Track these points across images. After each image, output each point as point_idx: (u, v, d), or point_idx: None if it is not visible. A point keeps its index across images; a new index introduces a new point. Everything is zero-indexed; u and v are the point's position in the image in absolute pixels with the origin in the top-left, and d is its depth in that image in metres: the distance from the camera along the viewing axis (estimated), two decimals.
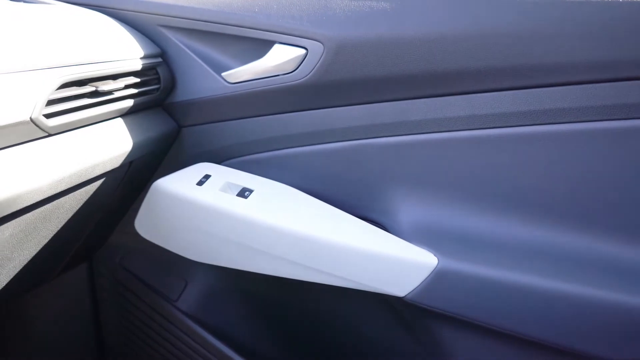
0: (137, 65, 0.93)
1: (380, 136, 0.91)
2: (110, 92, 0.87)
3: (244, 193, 0.93)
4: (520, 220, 0.85)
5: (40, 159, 0.75)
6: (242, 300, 1.17)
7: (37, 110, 0.72)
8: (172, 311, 1.22)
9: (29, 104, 0.71)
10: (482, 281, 0.80)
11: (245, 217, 0.89)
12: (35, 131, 0.74)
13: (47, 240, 0.90)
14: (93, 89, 0.83)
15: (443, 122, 0.86)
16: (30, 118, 0.71)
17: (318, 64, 0.89)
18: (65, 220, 0.90)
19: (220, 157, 1.04)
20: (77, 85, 0.81)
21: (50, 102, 0.75)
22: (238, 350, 1.16)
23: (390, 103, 0.89)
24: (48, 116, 0.75)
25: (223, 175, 0.98)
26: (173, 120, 1.05)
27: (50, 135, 0.78)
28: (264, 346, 1.17)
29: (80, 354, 1.40)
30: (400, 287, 0.83)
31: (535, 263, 0.82)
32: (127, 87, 0.91)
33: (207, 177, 0.97)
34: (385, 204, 0.93)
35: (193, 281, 1.20)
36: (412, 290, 0.82)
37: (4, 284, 0.89)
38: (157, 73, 0.99)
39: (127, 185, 1.04)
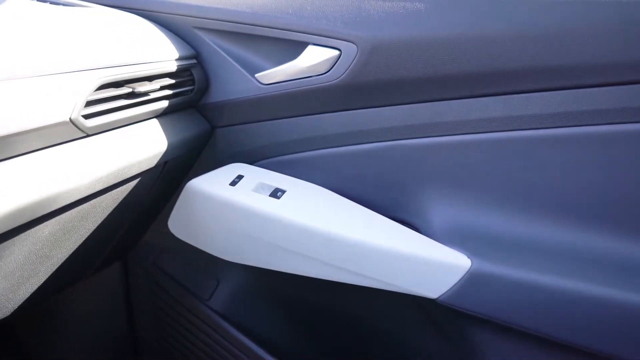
0: (172, 67, 0.94)
1: (413, 137, 0.90)
2: (146, 94, 0.89)
3: (276, 193, 0.93)
4: (555, 223, 0.84)
5: (79, 159, 0.76)
6: (273, 300, 1.18)
7: (77, 111, 0.73)
8: (204, 310, 1.23)
9: (69, 105, 0.72)
10: (516, 284, 0.79)
11: (277, 217, 0.89)
12: (74, 131, 0.75)
13: (83, 239, 0.92)
14: (130, 90, 0.85)
15: (477, 124, 0.86)
16: (70, 119, 0.72)
17: (351, 65, 0.89)
18: (102, 219, 0.92)
19: (252, 158, 1.05)
20: (114, 87, 0.83)
21: (89, 103, 0.77)
22: (269, 349, 1.16)
23: (424, 104, 0.89)
24: (87, 117, 0.76)
25: (256, 176, 0.99)
26: (206, 121, 1.06)
27: (88, 135, 0.79)
28: (294, 346, 1.17)
29: (114, 351, 1.42)
30: (433, 288, 0.82)
31: (570, 266, 0.81)
32: (162, 88, 0.93)
33: (240, 177, 0.98)
34: (417, 205, 0.93)
35: (225, 281, 1.21)
36: (445, 292, 0.82)
37: (42, 281, 0.91)
38: (191, 74, 1.00)
39: (161, 185, 1.05)
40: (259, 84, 0.98)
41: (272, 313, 1.18)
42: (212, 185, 0.97)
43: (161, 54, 0.93)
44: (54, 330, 1.35)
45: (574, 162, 0.81)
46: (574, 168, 0.82)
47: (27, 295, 0.90)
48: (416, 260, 0.82)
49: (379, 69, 0.88)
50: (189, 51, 1.00)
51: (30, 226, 0.72)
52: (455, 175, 0.89)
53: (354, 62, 0.89)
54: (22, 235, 0.73)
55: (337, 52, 0.90)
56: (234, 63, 1.00)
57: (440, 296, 0.82)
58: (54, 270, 0.91)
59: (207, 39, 1.02)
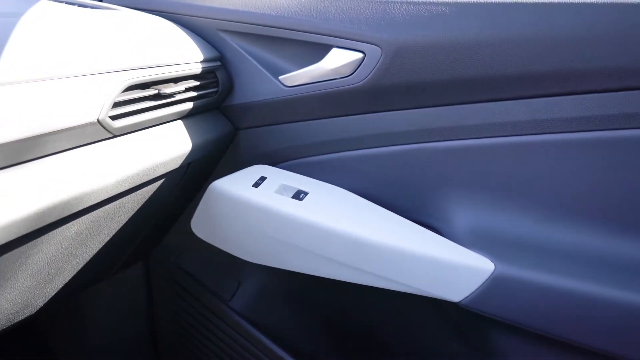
0: (197, 69, 0.95)
1: (437, 140, 0.90)
2: (171, 95, 0.89)
3: (299, 195, 0.94)
4: (579, 227, 0.84)
5: (105, 159, 0.77)
6: (294, 302, 1.18)
7: (104, 112, 0.74)
8: (226, 310, 1.24)
9: (97, 106, 0.73)
10: (540, 288, 0.79)
11: (300, 219, 0.90)
12: (101, 132, 0.76)
13: (108, 238, 0.93)
14: (156, 91, 0.86)
15: (502, 127, 0.85)
16: (98, 119, 0.74)
17: (375, 68, 0.89)
18: (127, 219, 0.93)
19: (275, 160, 1.05)
20: (140, 88, 0.84)
21: (116, 105, 0.78)
22: (289, 350, 1.17)
23: (448, 107, 0.88)
24: (114, 118, 0.78)
25: (278, 178, 1.00)
26: (230, 122, 1.07)
27: (115, 136, 0.80)
28: (314, 347, 1.18)
29: (135, 349, 1.43)
30: (456, 292, 0.82)
31: (595, 271, 0.80)
32: (187, 90, 0.94)
33: (262, 179, 0.99)
34: (440, 208, 0.92)
35: (246, 281, 1.22)
36: (468, 296, 0.81)
37: (67, 279, 0.92)
38: (215, 76, 1.01)
39: (184, 186, 1.06)
40: (283, 86, 0.98)
41: (293, 314, 1.18)
42: (235, 186, 0.98)
43: (186, 56, 0.94)
44: (77, 327, 1.37)
45: (600, 166, 0.81)
46: (599, 172, 0.81)
47: (53, 293, 0.91)
48: (439, 263, 0.82)
49: (402, 71, 0.88)
50: (213, 53, 1.01)
51: (58, 225, 0.74)
52: (478, 179, 0.89)
53: (377, 64, 0.89)
54: (50, 234, 0.74)
55: (361, 55, 0.91)
56: (257, 65, 1.01)
57: (462, 300, 0.82)
58: (79, 268, 0.92)
59: (232, 41, 1.02)
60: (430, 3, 0.86)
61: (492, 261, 0.81)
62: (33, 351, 1.36)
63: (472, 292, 0.81)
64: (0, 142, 0.60)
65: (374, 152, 0.95)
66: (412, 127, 0.91)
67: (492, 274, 0.80)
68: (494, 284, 0.80)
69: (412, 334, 1.05)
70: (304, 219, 0.89)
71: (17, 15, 0.73)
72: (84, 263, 0.92)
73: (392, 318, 1.06)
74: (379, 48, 0.89)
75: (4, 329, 0.87)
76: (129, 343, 1.43)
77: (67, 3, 0.96)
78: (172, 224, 1.23)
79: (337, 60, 0.92)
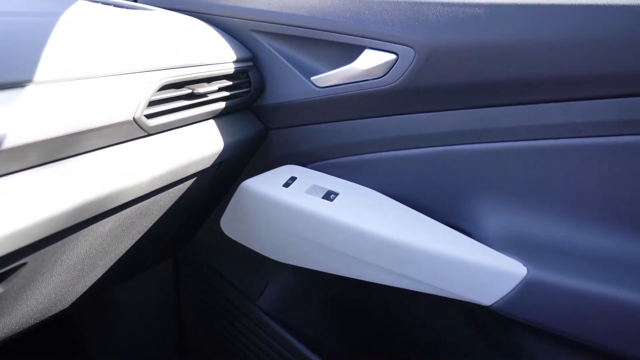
0: (230, 69, 0.96)
1: (469, 143, 0.89)
2: (204, 95, 0.90)
3: (329, 196, 0.94)
4: (614, 233, 0.82)
5: (140, 157, 0.78)
6: (321, 302, 1.18)
7: (140, 110, 0.75)
8: (253, 309, 1.24)
9: (133, 104, 0.74)
10: (572, 293, 0.78)
11: (330, 219, 0.90)
12: (136, 130, 0.77)
13: (140, 235, 0.94)
14: (189, 91, 0.87)
15: (536, 130, 0.84)
16: (134, 118, 0.75)
17: (408, 70, 0.89)
18: (159, 216, 0.94)
19: (305, 160, 1.06)
20: (174, 88, 0.85)
21: (151, 103, 0.79)
22: (315, 350, 1.17)
23: (481, 109, 0.88)
24: (149, 116, 0.79)
25: (309, 178, 1.00)
26: (261, 122, 1.07)
27: (149, 134, 0.81)
28: (341, 348, 1.18)
29: (162, 345, 1.45)
30: (487, 295, 0.81)
31: (629, 277, 0.79)
32: (220, 89, 0.94)
33: (293, 179, 0.99)
34: (471, 211, 0.92)
35: (274, 281, 1.22)
36: (499, 300, 0.81)
37: (99, 275, 0.93)
38: (248, 77, 1.02)
39: (215, 185, 1.07)
40: (315, 87, 0.99)
41: (320, 314, 1.18)
42: (265, 186, 0.98)
43: (219, 56, 0.95)
44: (107, 323, 1.39)
45: (636, 171, 0.80)
46: (635, 177, 0.80)
47: (86, 288, 0.93)
48: (470, 266, 0.81)
49: (436, 73, 0.88)
50: (246, 54, 1.02)
51: (93, 221, 0.75)
52: (511, 182, 0.88)
53: (411, 66, 0.89)
54: (85, 230, 0.75)
55: (394, 56, 0.90)
56: (289, 66, 1.01)
57: (493, 303, 0.81)
58: (111, 265, 0.94)
59: (264, 41, 1.03)
60: (464, 5, 0.86)
61: (524, 265, 0.80)
62: (64, 345, 1.38)
63: (504, 296, 0.80)
64: (39, 140, 0.61)
65: (405, 153, 0.95)
66: (444, 129, 0.91)
67: (524, 278, 0.79)
68: (526, 289, 0.79)
69: (441, 337, 1.04)
70: (334, 219, 0.89)
71: (56, 15, 0.74)
72: (116, 259, 0.94)
73: (421, 320, 1.06)
74: (412, 49, 0.88)
75: (37, 323, 0.88)
76: (157, 339, 1.44)
77: (103, 3, 0.97)
78: (201, 223, 1.24)
79: (370, 61, 0.92)
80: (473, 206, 0.92)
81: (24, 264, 0.68)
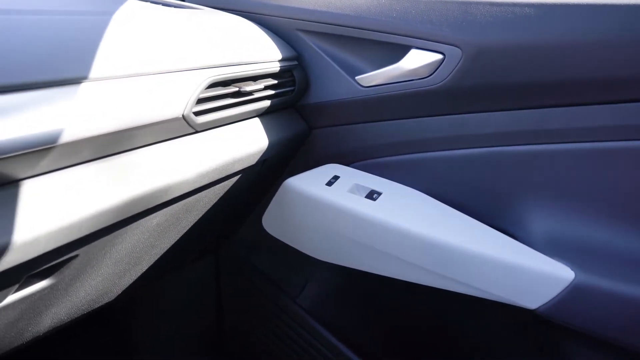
0: (275, 68, 0.97)
1: (515, 144, 0.88)
2: (250, 93, 0.91)
3: (372, 195, 0.94)
4: None
5: (187, 154, 0.79)
6: (361, 302, 1.18)
7: (189, 107, 0.77)
8: (292, 307, 1.25)
9: (182, 101, 0.76)
10: (621, 299, 0.76)
11: (373, 219, 0.90)
12: (184, 127, 0.79)
13: (185, 231, 0.96)
14: (236, 89, 0.88)
15: (585, 132, 0.83)
16: (183, 115, 0.76)
17: (455, 70, 0.88)
18: (203, 212, 0.95)
19: (348, 159, 1.06)
20: (222, 86, 0.86)
21: (200, 101, 0.80)
22: (354, 349, 1.17)
23: (528, 111, 0.87)
24: (197, 114, 0.80)
25: (351, 177, 1.00)
26: (305, 121, 1.08)
27: (197, 131, 0.82)
28: (381, 348, 1.17)
29: (201, 339, 1.47)
30: (532, 299, 0.80)
31: None
32: (265, 88, 0.95)
33: (336, 178, 0.99)
34: (517, 213, 0.91)
35: (314, 279, 1.23)
36: (545, 304, 0.79)
37: (144, 269, 0.95)
38: (292, 75, 1.02)
39: (258, 183, 1.08)
40: (359, 87, 0.99)
41: (360, 314, 1.18)
42: (308, 184, 0.98)
43: (265, 55, 0.96)
44: (149, 316, 1.41)
45: None
46: None
47: (131, 281, 0.95)
48: (515, 269, 0.80)
49: (483, 74, 0.87)
50: (291, 53, 1.02)
51: (142, 216, 0.76)
52: (558, 184, 0.86)
53: (457, 66, 0.88)
54: (134, 225, 0.77)
55: (440, 56, 0.90)
56: (334, 65, 1.02)
57: (539, 307, 0.80)
58: (156, 259, 0.95)
59: (309, 41, 1.03)
60: (514, 4, 0.85)
61: (571, 269, 0.79)
62: (108, 337, 1.41)
63: (550, 300, 0.79)
64: (92, 135, 0.63)
65: (450, 154, 0.94)
66: (490, 129, 0.90)
67: (571, 282, 0.77)
68: (573, 293, 0.77)
69: (481, 340, 1.03)
70: (377, 219, 0.89)
71: (108, 14, 0.76)
72: (161, 254, 0.95)
73: (461, 323, 1.05)
74: (459, 49, 0.88)
75: (84, 314, 0.90)
76: (196, 333, 1.46)
77: (152, 2, 0.99)
78: (243, 220, 1.26)
79: (416, 61, 0.92)
80: (518, 208, 0.91)
81: (76, 256, 0.70)
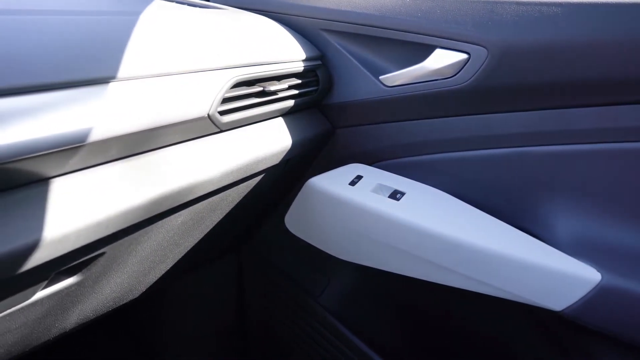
0: (299, 68, 0.97)
1: (541, 144, 0.87)
2: (275, 93, 0.91)
3: (395, 195, 0.93)
4: None
5: (212, 153, 0.80)
6: (383, 302, 1.18)
7: (214, 107, 0.77)
8: (314, 306, 1.25)
9: (207, 101, 0.76)
10: None
11: (396, 219, 0.89)
12: (209, 127, 0.79)
13: (208, 229, 0.96)
14: (260, 89, 0.88)
15: (613, 132, 0.82)
16: (208, 114, 0.76)
17: (480, 69, 0.88)
18: (227, 211, 0.96)
19: (371, 159, 1.05)
20: (246, 85, 0.86)
21: (225, 100, 0.80)
22: (376, 349, 1.16)
23: (556, 110, 0.86)
24: (222, 113, 0.80)
25: (375, 177, 1.00)
26: (328, 121, 1.08)
27: (221, 131, 0.83)
28: (403, 348, 1.17)
29: (223, 338, 1.48)
30: (557, 300, 0.79)
31: None
32: (289, 87, 0.95)
33: (359, 177, 0.99)
34: (541, 213, 0.90)
35: (336, 279, 1.23)
36: (571, 306, 0.78)
37: (168, 267, 0.96)
38: (316, 75, 1.02)
39: (281, 182, 1.08)
40: (383, 86, 0.98)
41: (382, 314, 1.18)
42: (332, 184, 0.98)
43: (289, 54, 0.96)
44: (171, 314, 1.42)
45: None
46: None
47: (156, 279, 0.95)
48: (540, 270, 0.79)
49: (508, 73, 0.86)
50: (315, 52, 1.03)
51: (168, 214, 0.77)
52: (585, 185, 0.85)
53: (483, 66, 0.87)
54: (160, 223, 0.78)
55: (465, 56, 0.89)
56: (358, 65, 1.02)
57: (564, 309, 0.79)
58: (180, 257, 0.96)
59: (333, 40, 1.03)
60: (541, 4, 0.84)
61: (597, 270, 0.78)
62: (129, 335, 1.43)
63: (576, 302, 0.78)
64: (120, 134, 0.63)
65: (474, 154, 0.94)
66: (516, 129, 0.89)
67: (598, 284, 0.76)
68: (600, 295, 0.77)
69: (504, 341, 1.03)
70: (400, 219, 0.89)
71: (135, 14, 0.77)
72: (185, 252, 0.96)
73: (485, 324, 1.04)
74: (484, 49, 0.87)
75: (109, 311, 0.91)
76: (217, 332, 1.47)
77: (177, 2, 1.00)
78: (265, 219, 1.26)
79: (441, 60, 0.91)
80: (543, 209, 0.90)
81: (103, 253, 0.71)
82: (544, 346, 0.97)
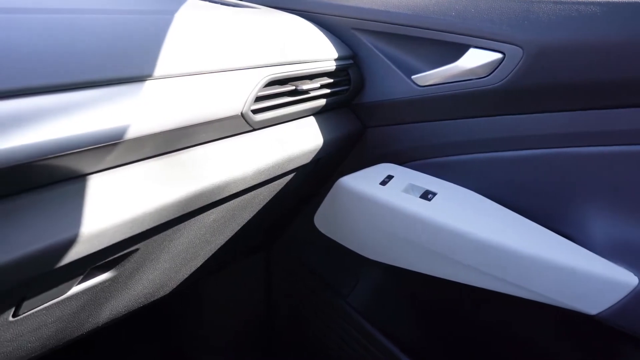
0: (331, 67, 0.97)
1: (577, 145, 0.86)
2: (307, 92, 0.92)
3: (427, 195, 0.93)
4: None
5: (245, 151, 0.80)
6: (413, 302, 1.17)
7: (247, 105, 0.78)
8: (343, 306, 1.25)
9: (241, 100, 0.77)
10: None
11: (428, 219, 0.89)
12: (242, 125, 0.80)
13: (239, 227, 0.97)
14: (293, 88, 0.88)
15: None
16: (241, 113, 0.77)
17: (515, 69, 0.87)
18: (257, 210, 0.96)
19: (402, 159, 1.05)
20: (279, 84, 0.86)
21: (257, 99, 0.81)
22: (406, 351, 1.16)
23: (591, 111, 0.84)
24: (255, 112, 0.81)
25: (405, 177, 0.99)
26: (359, 120, 1.08)
27: (254, 129, 0.83)
28: (432, 350, 1.16)
29: (250, 336, 1.48)
30: (592, 304, 0.78)
31: None
32: (321, 87, 0.95)
33: (389, 177, 0.99)
34: (576, 216, 0.88)
35: (365, 279, 1.22)
36: (606, 309, 0.77)
37: (199, 264, 0.97)
38: (347, 74, 1.02)
39: (311, 181, 1.08)
40: (415, 86, 0.98)
41: (412, 315, 1.18)
42: (362, 183, 0.98)
43: (321, 53, 0.96)
44: (199, 310, 1.43)
45: None
46: None
47: (186, 276, 0.96)
48: (575, 272, 0.78)
49: (544, 73, 0.85)
50: (347, 52, 1.02)
51: (201, 212, 0.78)
52: (621, 187, 0.84)
53: (518, 66, 0.86)
54: (192, 220, 0.78)
55: (500, 56, 0.88)
56: (390, 64, 1.01)
57: (599, 313, 0.78)
58: (210, 254, 0.97)
59: (365, 40, 1.03)
60: (579, 3, 0.83)
61: (635, 274, 0.76)
62: (156, 332, 1.44)
63: (612, 306, 0.76)
64: (155, 132, 0.64)
65: (508, 155, 0.92)
66: (550, 130, 0.88)
67: (635, 288, 0.75)
68: (636, 299, 0.75)
69: (536, 345, 1.01)
70: (432, 219, 0.88)
71: (169, 13, 0.78)
72: (215, 250, 0.97)
73: (517, 327, 1.03)
74: (520, 49, 0.86)
75: (140, 307, 0.92)
76: (245, 329, 1.48)
77: (210, 1, 1.00)
78: (294, 218, 1.26)
79: (475, 60, 0.91)
80: (577, 211, 0.88)
81: (137, 249, 0.72)
82: (576, 350, 0.96)
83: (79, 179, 0.59)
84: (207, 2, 0.98)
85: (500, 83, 0.89)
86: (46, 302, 0.66)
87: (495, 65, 0.89)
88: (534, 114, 0.89)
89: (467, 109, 0.95)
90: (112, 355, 1.38)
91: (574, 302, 0.79)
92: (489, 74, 0.90)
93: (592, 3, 0.82)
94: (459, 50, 0.93)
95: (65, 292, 0.68)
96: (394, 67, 1.01)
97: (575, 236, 0.88)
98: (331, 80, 0.98)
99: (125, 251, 0.70)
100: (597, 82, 0.82)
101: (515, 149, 0.92)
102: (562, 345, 0.97)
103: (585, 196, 0.87)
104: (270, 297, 1.44)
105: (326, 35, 1.01)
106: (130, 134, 0.61)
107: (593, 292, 0.78)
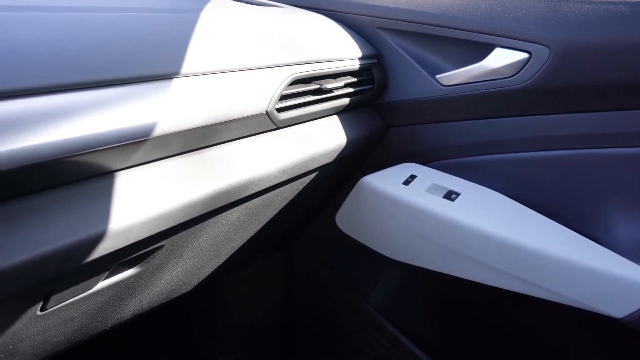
0: (355, 66, 0.97)
1: (603, 146, 0.85)
2: (331, 90, 0.92)
3: (450, 196, 0.92)
4: None
5: (269, 150, 0.81)
6: (434, 303, 1.17)
7: (272, 104, 0.78)
8: (363, 306, 1.25)
9: (266, 98, 0.77)
10: None
11: (451, 219, 0.88)
12: (267, 123, 0.80)
13: (261, 226, 0.97)
14: (317, 86, 0.88)
15: None
16: (266, 111, 0.77)
17: (542, 69, 0.86)
18: (280, 208, 0.97)
19: (425, 159, 1.04)
20: (303, 83, 0.87)
21: (282, 98, 0.81)
22: (427, 352, 1.15)
23: (618, 112, 0.83)
24: (279, 110, 0.81)
25: (429, 177, 0.99)
26: (382, 120, 1.07)
27: (278, 128, 0.83)
28: (453, 351, 1.16)
29: (269, 334, 1.49)
30: (618, 307, 0.77)
31: None
32: (345, 86, 0.95)
33: (412, 177, 0.98)
34: (602, 217, 0.87)
35: (386, 279, 1.22)
36: (632, 313, 0.76)
37: (221, 262, 0.97)
38: (371, 73, 1.02)
39: (333, 180, 1.08)
40: (440, 85, 0.97)
41: (433, 315, 1.17)
42: (385, 183, 0.98)
43: (346, 52, 0.96)
44: (218, 308, 1.44)
45: None
46: None
47: (208, 273, 0.97)
48: (600, 275, 0.77)
49: (571, 73, 0.84)
50: (371, 51, 1.02)
51: (225, 209, 0.78)
52: None
53: (544, 65, 0.85)
54: (216, 218, 0.79)
55: (526, 55, 0.87)
56: (414, 64, 1.01)
57: (625, 316, 0.77)
58: (232, 252, 0.97)
59: (390, 39, 1.03)
60: (607, 2, 0.82)
61: None
62: (172, 330, 1.45)
63: (638, 310, 0.75)
64: (181, 129, 0.64)
65: (533, 155, 0.92)
66: (577, 131, 0.87)
67: None
68: None
69: (558, 347, 1.00)
70: (455, 220, 0.88)
71: (196, 11, 0.78)
72: (238, 247, 0.97)
73: (540, 329, 1.02)
74: (547, 48, 0.85)
75: (162, 303, 0.93)
76: (265, 329, 1.48)
77: (237, 0, 1.01)
78: (315, 217, 1.26)
79: (500, 60, 0.90)
80: (603, 212, 0.87)
81: (162, 246, 0.72)
82: (600, 353, 0.95)
83: (107, 175, 0.60)
84: (234, 1, 0.99)
85: (526, 83, 0.88)
86: (73, 297, 0.67)
87: (522, 65, 0.88)
88: (560, 115, 0.88)
89: (492, 109, 0.94)
90: (130, 352, 1.39)
91: (598, 304, 0.79)
92: (515, 74, 0.89)
93: (621, 3, 0.81)
94: (484, 50, 0.92)
95: (92, 287, 0.68)
96: (418, 66, 1.00)
97: (602, 238, 0.87)
98: (355, 80, 0.98)
99: (150, 247, 0.70)
100: (625, 83, 0.81)
101: (540, 150, 0.91)
102: (585, 348, 0.96)
103: (611, 198, 0.86)
104: (290, 295, 1.44)
105: (350, 34, 1.01)
106: (157, 131, 0.61)
107: (619, 295, 0.77)
